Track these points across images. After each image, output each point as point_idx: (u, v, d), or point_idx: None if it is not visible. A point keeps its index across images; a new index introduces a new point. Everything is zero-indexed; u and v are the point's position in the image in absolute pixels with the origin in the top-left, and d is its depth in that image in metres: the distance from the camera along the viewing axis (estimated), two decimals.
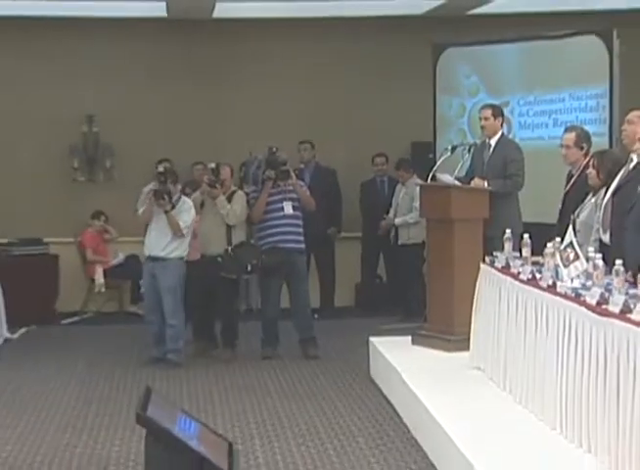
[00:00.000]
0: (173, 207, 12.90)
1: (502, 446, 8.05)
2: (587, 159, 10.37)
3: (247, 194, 13.74)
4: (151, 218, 13.12)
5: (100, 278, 15.99)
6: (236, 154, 15.17)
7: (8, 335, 14.73)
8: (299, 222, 13.38)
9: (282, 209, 13.30)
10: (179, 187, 13.44)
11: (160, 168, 14.12)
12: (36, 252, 16.49)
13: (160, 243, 13.12)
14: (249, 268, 13.95)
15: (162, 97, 16.56)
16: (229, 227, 13.59)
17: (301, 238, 13.46)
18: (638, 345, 6.87)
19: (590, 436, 7.65)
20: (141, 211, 13.40)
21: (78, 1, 15.02)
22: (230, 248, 13.62)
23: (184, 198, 13.26)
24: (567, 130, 11.03)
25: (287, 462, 9.04)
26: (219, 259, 13.49)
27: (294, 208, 13.23)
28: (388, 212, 15.78)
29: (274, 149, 13.82)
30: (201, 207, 13.47)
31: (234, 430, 9.40)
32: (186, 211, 13.06)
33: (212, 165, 13.74)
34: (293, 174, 13.50)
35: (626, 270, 7.65)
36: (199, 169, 14.83)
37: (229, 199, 13.48)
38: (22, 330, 15.13)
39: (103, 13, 15.93)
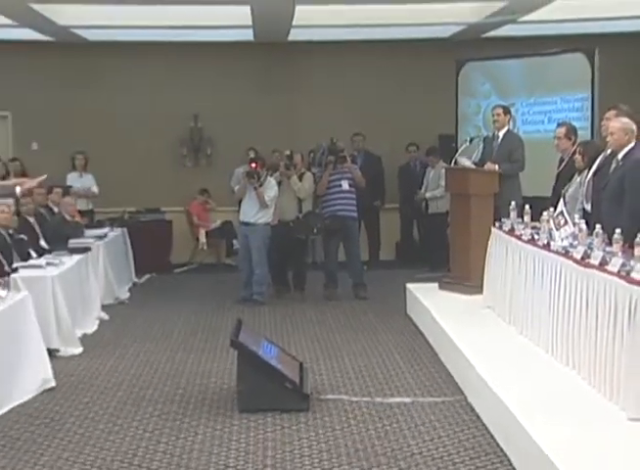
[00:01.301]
0: (261, 184, 13.16)
1: (506, 363, 8.28)
2: (574, 147, 10.42)
3: (313, 174, 13.93)
4: (244, 194, 13.34)
5: (203, 238, 16.46)
6: (305, 143, 15.24)
7: (136, 280, 15.16)
8: (354, 196, 13.62)
9: (340, 185, 13.60)
10: (265, 170, 13.59)
11: (252, 155, 14.34)
12: (156, 218, 16.79)
13: (250, 212, 13.44)
14: (314, 231, 14.16)
15: (250, 101, 16.72)
16: (299, 200, 13.81)
17: (355, 208, 13.72)
18: (613, 290, 6.98)
19: (574, 358, 7.81)
20: (237, 188, 13.78)
21: (189, 29, 15.10)
22: (300, 215, 13.84)
23: (269, 178, 13.44)
24: (558, 125, 11.10)
25: (343, 376, 9.27)
26: (291, 224, 13.76)
27: (349, 185, 13.46)
28: (420, 189, 15.83)
29: (334, 140, 14.20)
30: (278, 184, 13.65)
31: (303, 353, 9.47)
32: (270, 188, 13.37)
33: (287, 153, 14.06)
34: (348, 159, 13.79)
35: (604, 232, 7.74)
36: (277, 156, 14.86)
37: (300, 178, 13.75)
38: (146, 276, 15.54)
39: (206, 38, 16.08)
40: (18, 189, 10.16)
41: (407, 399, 8.38)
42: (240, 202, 13.67)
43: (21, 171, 14.20)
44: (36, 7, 12.99)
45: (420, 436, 7.41)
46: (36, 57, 16.50)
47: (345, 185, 13.52)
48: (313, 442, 7.35)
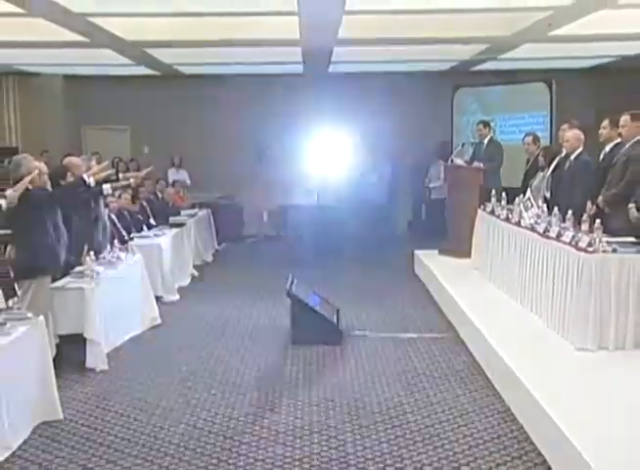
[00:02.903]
0: None
1: (487, 309, 8.28)
2: (538, 151, 10.36)
3: None
4: None
5: (266, 216, 16.19)
6: None
7: (217, 247, 15.03)
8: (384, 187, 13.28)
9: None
10: None
11: None
12: (232, 202, 16.60)
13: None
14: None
15: (299, 115, 16.38)
16: None
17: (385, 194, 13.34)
18: (566, 255, 7.01)
19: (537, 305, 7.86)
20: None
21: (257, 65, 15.07)
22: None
23: None
24: (527, 135, 11.01)
25: (367, 318, 9.31)
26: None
27: (380, 177, 13.15)
28: (424, 179, 15.81)
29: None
30: None
31: (337, 300, 9.45)
32: None
33: None
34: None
35: (560, 213, 7.75)
36: None
37: None
38: (224, 244, 15.38)
39: (270, 71, 15.97)
40: (132, 181, 10.28)
41: (414, 335, 8.43)
42: None
43: (136, 168, 14.34)
44: (149, 51, 13.24)
45: (423, 360, 7.48)
46: (147, 86, 16.60)
47: (375, 177, 13.26)
48: (346, 364, 7.44)
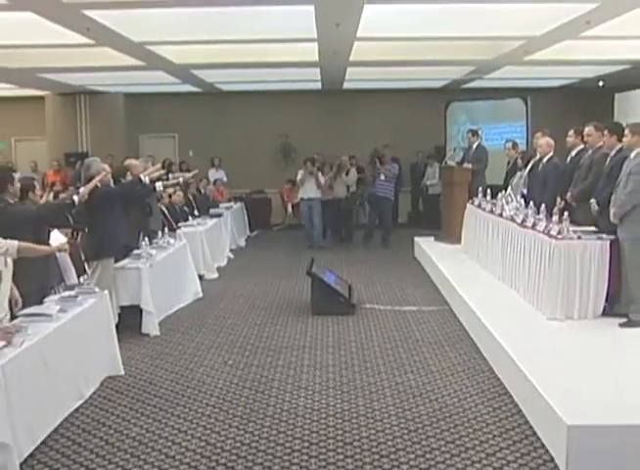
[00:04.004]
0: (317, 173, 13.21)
1: (474, 286, 8.24)
2: (517, 154, 10.30)
3: (362, 170, 14.20)
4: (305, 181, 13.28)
5: (289, 209, 16.10)
6: (353, 152, 15.00)
7: (249, 233, 15.05)
8: (389, 183, 13.13)
9: (380, 177, 13.13)
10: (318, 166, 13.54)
11: (315, 156, 13.99)
12: (261, 196, 16.61)
13: (311, 191, 13.26)
14: (358, 203, 14.23)
15: (318, 125, 16.53)
16: (347, 186, 13.78)
17: (389, 191, 13.23)
18: (539, 241, 6.99)
19: (515, 282, 7.85)
20: (299, 179, 13.53)
21: (284, 82, 15.01)
22: (348, 195, 13.83)
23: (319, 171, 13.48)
24: (507, 141, 10.97)
25: (375, 293, 9.27)
26: (343, 200, 13.75)
27: (385, 176, 13.08)
28: (423, 178, 15.74)
29: (378, 148, 13.96)
30: (334, 177, 13.64)
31: (351, 278, 9.43)
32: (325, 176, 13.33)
33: (344, 158, 13.91)
34: (385, 161, 13.30)
35: (535, 206, 7.74)
36: (344, 160, 14.04)
37: (347, 173, 13.86)
38: (255, 232, 15.39)
39: (294, 87, 15.88)
40: (181, 180, 10.29)
41: (414, 308, 8.41)
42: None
43: (186, 169, 14.34)
44: (194, 72, 13.24)
45: (422, 329, 7.47)
46: (191, 101, 16.59)
47: (382, 176, 13.18)
48: (357, 332, 7.44)
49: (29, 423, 4.44)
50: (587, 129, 7.61)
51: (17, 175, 6.10)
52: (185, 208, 11.71)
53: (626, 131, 6.69)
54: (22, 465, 4.24)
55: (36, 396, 4.55)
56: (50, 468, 4.35)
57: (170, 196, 10.91)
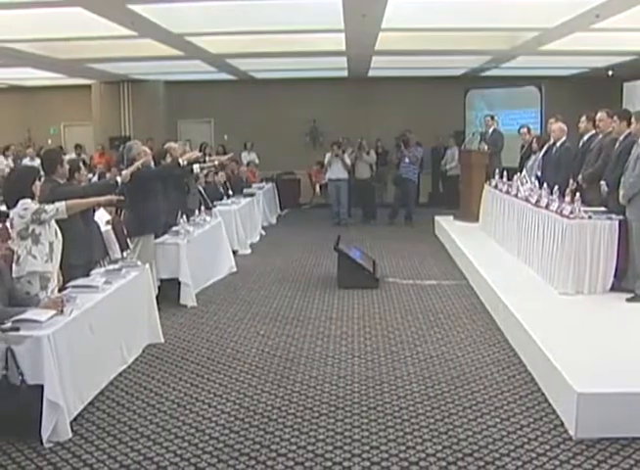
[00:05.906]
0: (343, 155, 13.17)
1: (491, 261, 8.19)
2: (531, 139, 10.16)
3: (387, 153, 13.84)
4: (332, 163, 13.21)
5: (317, 189, 16.02)
6: (376, 135, 15.02)
7: (280, 212, 14.98)
8: (413, 166, 12.98)
9: (405, 159, 12.99)
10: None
11: (340, 139, 13.83)
12: (291, 177, 16.49)
13: (338, 172, 13.17)
14: (381, 182, 14.14)
15: (344, 110, 16.40)
16: (371, 166, 13.65)
17: (413, 173, 13.08)
18: (552, 220, 6.92)
19: (530, 259, 7.78)
20: (326, 161, 13.42)
21: (312, 71, 14.89)
22: (373, 174, 13.74)
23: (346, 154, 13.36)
24: (522, 127, 10.82)
25: (397, 268, 9.22)
26: (367, 180, 13.61)
27: (409, 159, 12.97)
28: (442, 160, 15.55)
29: (405, 133, 13.73)
30: (356, 158, 13.51)
31: (375, 254, 9.44)
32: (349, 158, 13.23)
33: (359, 140, 13.72)
34: (411, 144, 13.22)
35: (548, 188, 7.65)
36: (359, 140, 13.76)
37: (368, 153, 13.64)
38: (285, 211, 15.32)
39: (322, 75, 15.77)
40: (216, 162, 10.29)
41: (434, 282, 8.37)
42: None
43: (222, 152, 14.38)
44: (229, 61, 13.23)
45: (441, 302, 7.44)
46: (227, 88, 16.55)
47: (407, 159, 13.06)
48: (380, 304, 7.42)
49: (78, 385, 4.48)
50: (599, 115, 7.55)
51: (66, 157, 6.13)
52: (220, 188, 11.73)
53: (633, 118, 6.60)
54: (71, 423, 4.29)
55: (84, 361, 4.59)
56: (97, 427, 4.40)
57: (207, 175, 10.93)
